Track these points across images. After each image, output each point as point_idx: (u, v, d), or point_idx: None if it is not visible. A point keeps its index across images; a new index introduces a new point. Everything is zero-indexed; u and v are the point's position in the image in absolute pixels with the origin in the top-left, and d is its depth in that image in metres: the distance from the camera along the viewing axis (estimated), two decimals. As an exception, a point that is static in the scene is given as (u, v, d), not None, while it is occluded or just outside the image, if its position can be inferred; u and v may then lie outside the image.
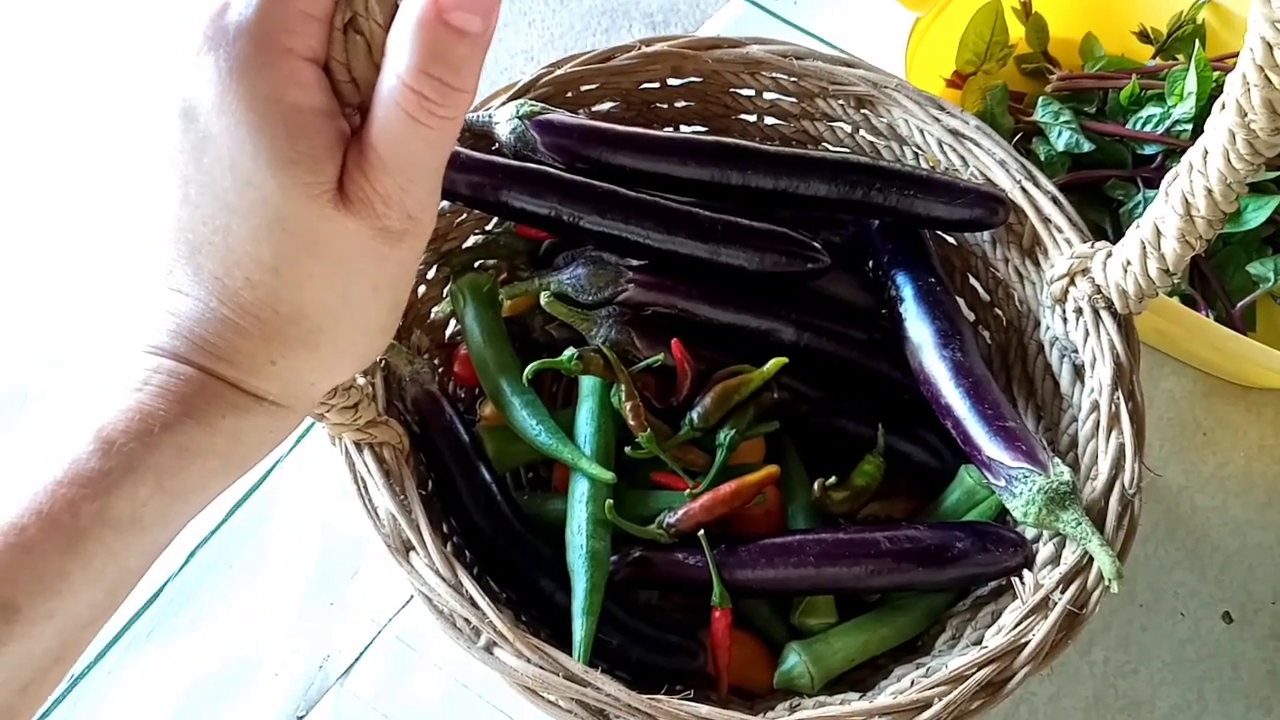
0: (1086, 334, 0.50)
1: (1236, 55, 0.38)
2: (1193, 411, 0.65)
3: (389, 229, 0.26)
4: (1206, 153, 0.41)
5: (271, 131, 0.23)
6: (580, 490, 0.50)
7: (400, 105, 0.23)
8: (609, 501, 0.48)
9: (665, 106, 0.63)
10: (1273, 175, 0.66)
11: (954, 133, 0.56)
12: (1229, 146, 0.40)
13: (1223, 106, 0.39)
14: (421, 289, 0.58)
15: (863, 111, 0.60)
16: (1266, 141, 0.39)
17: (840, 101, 0.60)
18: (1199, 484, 0.63)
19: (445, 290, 0.58)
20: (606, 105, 0.62)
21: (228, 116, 0.23)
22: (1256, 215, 0.64)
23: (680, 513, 0.49)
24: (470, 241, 0.60)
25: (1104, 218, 0.68)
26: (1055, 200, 0.54)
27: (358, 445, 0.45)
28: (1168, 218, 0.44)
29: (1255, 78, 0.37)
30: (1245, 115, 0.38)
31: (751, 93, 0.62)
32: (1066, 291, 0.51)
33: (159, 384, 0.26)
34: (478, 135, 0.55)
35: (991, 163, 0.55)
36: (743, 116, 0.64)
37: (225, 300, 0.26)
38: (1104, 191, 0.68)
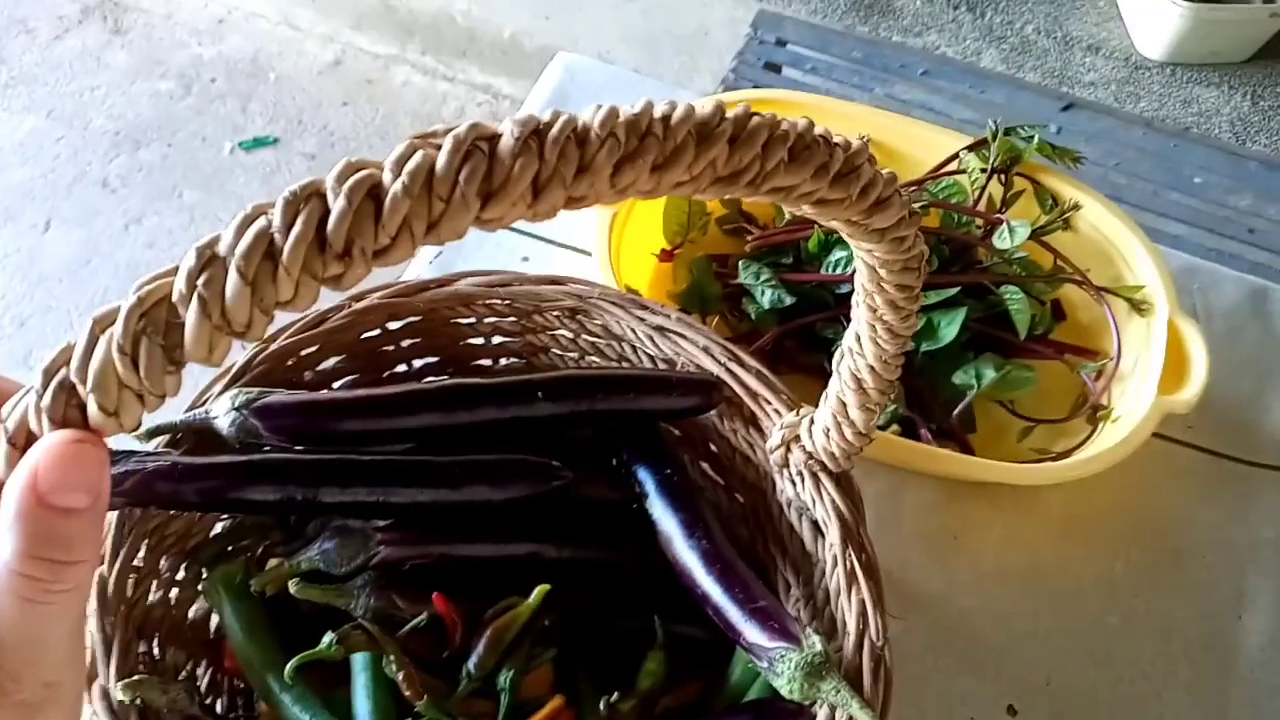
0: (813, 495, 0.54)
1: (905, 185, 0.43)
2: (940, 519, 0.70)
3: (25, 702, 0.25)
4: (859, 337, 0.46)
5: None
6: (369, 775, 0.49)
7: (13, 592, 0.23)
8: (399, 781, 0.47)
9: (392, 349, 0.64)
10: (954, 291, 0.73)
11: (659, 329, 0.60)
12: (873, 335, 0.44)
13: (856, 304, 0.44)
14: (174, 593, 0.56)
15: (577, 319, 0.63)
16: (902, 327, 0.44)
17: (554, 314, 0.63)
18: (960, 588, 0.67)
19: (199, 586, 0.57)
20: (332, 361, 0.62)
21: None
22: (948, 330, 0.71)
23: (476, 770, 0.49)
24: (217, 529, 0.59)
25: (821, 357, 0.74)
26: (760, 374, 0.58)
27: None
28: (845, 393, 0.49)
29: (870, 286, 0.41)
30: (876, 311, 0.43)
31: (473, 320, 0.64)
32: (786, 458, 0.55)
33: None
34: (199, 433, 0.54)
35: (697, 350, 0.59)
36: (471, 341, 0.66)
37: None
38: (815, 333, 0.74)
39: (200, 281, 0.23)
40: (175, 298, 0.23)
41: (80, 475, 0.23)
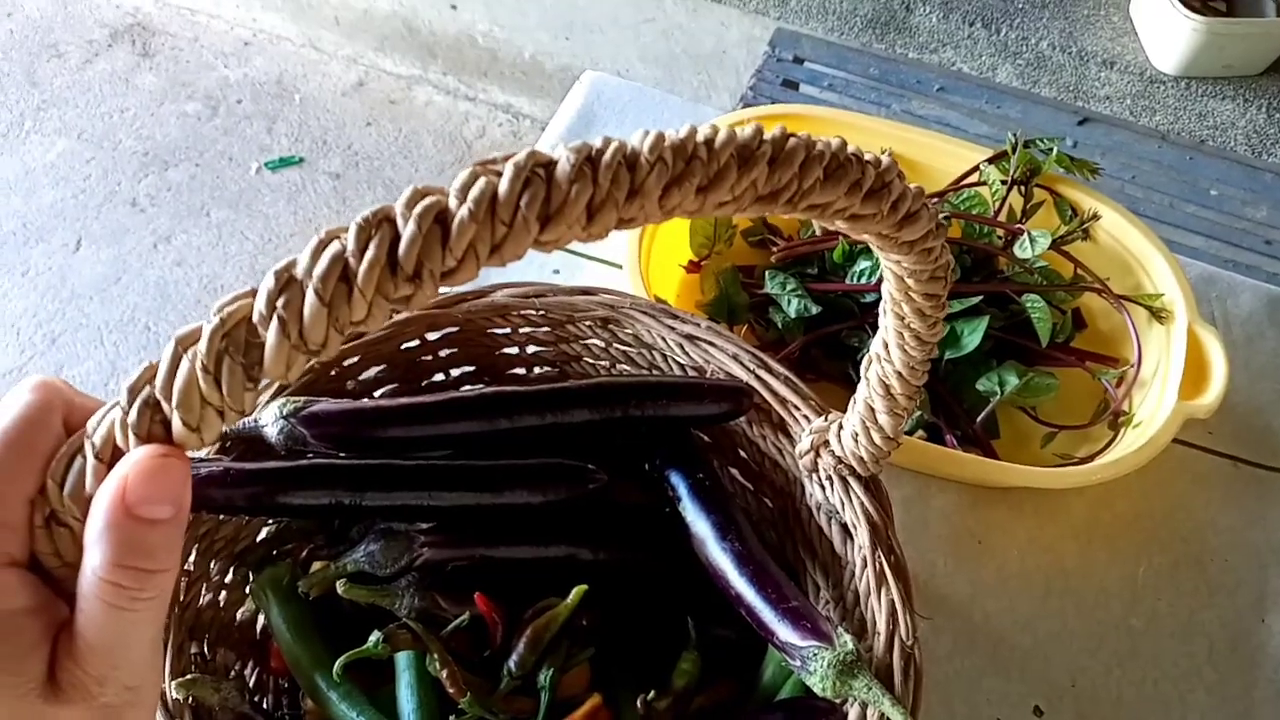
0: (842, 499, 0.56)
1: (927, 197, 0.45)
2: (965, 522, 0.72)
3: (109, 705, 0.26)
4: (887, 345, 0.48)
5: None
6: (414, 770, 0.50)
7: (100, 598, 0.25)
8: (444, 776, 0.49)
9: (431, 358, 0.66)
10: (976, 300, 0.74)
11: (689, 337, 0.62)
12: (901, 343, 0.46)
13: (884, 312, 0.46)
14: (223, 596, 0.58)
15: (609, 328, 0.65)
16: (929, 334, 0.46)
17: (587, 324, 0.65)
18: (985, 590, 0.69)
19: (247, 589, 0.59)
20: (373, 371, 0.64)
21: None
22: (972, 339, 0.73)
23: (517, 765, 0.51)
24: (263, 534, 0.61)
25: (846, 365, 0.76)
26: (788, 381, 0.60)
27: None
28: (874, 398, 0.50)
29: (898, 295, 0.43)
30: (904, 319, 0.45)
31: (508, 330, 0.66)
32: (815, 463, 0.57)
33: None
34: (247, 440, 0.57)
35: (726, 358, 0.61)
36: (506, 351, 0.68)
37: None
38: (841, 341, 0.76)
39: (280, 303, 0.25)
40: (255, 318, 0.25)
41: (166, 488, 0.25)
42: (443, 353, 0.66)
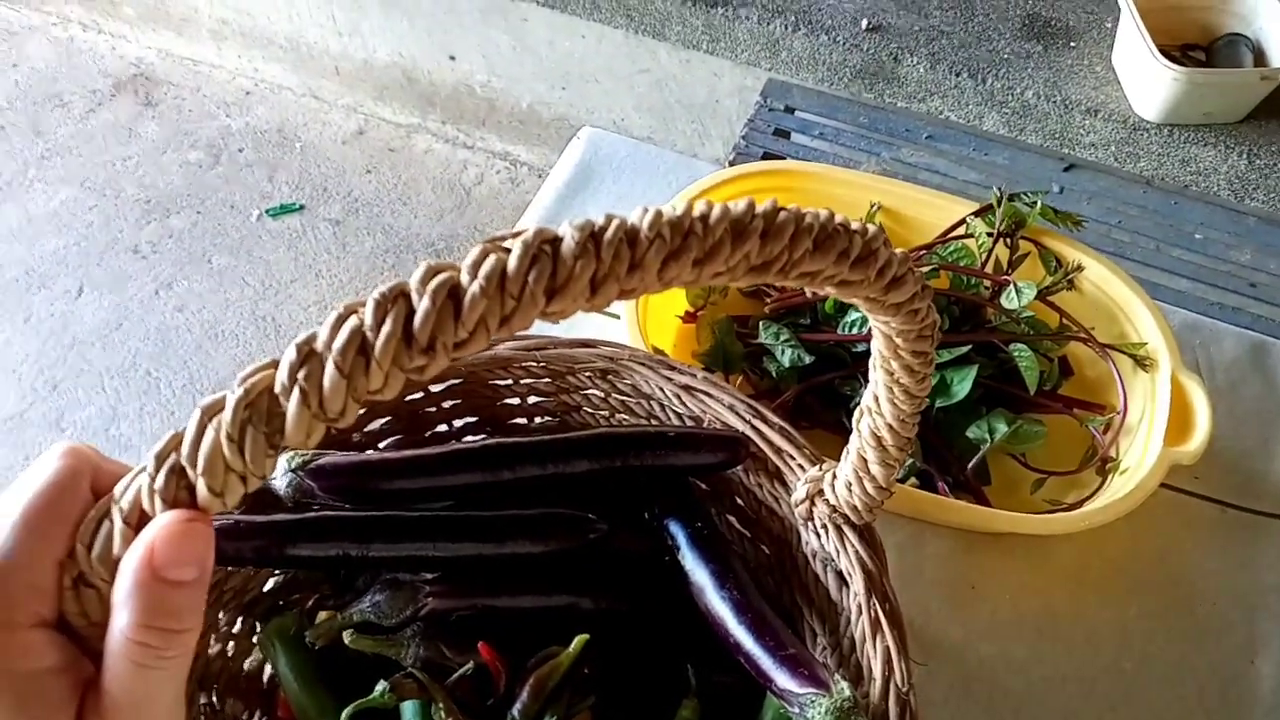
0: (837, 546, 0.57)
1: (915, 250, 0.46)
2: (958, 568, 0.73)
3: None
4: (877, 398, 0.49)
5: (2, 703, 0.26)
6: (420, 818, 0.51)
7: (127, 657, 0.26)
8: (449, 823, 0.50)
9: (435, 410, 0.68)
10: (965, 349, 0.76)
11: (686, 388, 0.64)
12: (891, 397, 0.48)
13: (874, 368, 0.48)
14: (230, 646, 0.59)
15: (608, 379, 0.67)
16: (918, 389, 0.47)
17: (587, 375, 0.67)
18: (979, 635, 0.70)
19: (254, 639, 0.60)
20: (378, 423, 0.66)
21: None
22: (961, 387, 0.74)
23: (520, 813, 0.52)
24: (270, 584, 0.62)
25: (840, 412, 0.77)
26: (783, 430, 0.61)
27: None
28: (866, 449, 0.52)
29: (886, 352, 0.45)
30: (893, 375, 0.46)
31: (510, 381, 0.68)
32: (811, 511, 0.58)
33: None
34: (256, 493, 0.58)
35: (723, 408, 0.63)
36: (508, 402, 0.69)
37: None
38: (835, 389, 0.78)
39: (301, 375, 0.26)
40: (277, 389, 0.26)
41: (191, 551, 0.26)
42: (446, 404, 0.68)
